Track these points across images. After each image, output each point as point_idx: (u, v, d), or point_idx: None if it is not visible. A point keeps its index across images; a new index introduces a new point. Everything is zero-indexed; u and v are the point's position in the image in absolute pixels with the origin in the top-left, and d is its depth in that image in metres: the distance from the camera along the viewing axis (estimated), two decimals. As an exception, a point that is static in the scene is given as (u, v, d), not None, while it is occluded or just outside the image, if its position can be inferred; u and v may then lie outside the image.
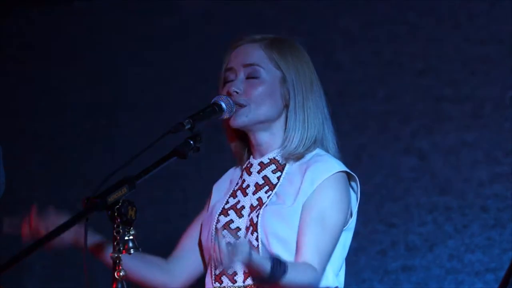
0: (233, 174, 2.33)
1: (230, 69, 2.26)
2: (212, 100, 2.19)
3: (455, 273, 3.40)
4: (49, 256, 4.04)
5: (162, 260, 2.37)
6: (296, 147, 2.18)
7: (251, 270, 1.96)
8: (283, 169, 2.21)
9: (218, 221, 2.20)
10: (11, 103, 4.30)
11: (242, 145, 2.29)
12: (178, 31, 3.99)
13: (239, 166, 2.30)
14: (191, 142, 2.07)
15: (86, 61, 4.15)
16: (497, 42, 3.43)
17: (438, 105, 3.48)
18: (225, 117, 2.18)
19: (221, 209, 2.22)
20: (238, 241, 1.91)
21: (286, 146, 2.19)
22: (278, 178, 2.20)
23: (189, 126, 2.07)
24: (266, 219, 2.12)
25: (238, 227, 2.18)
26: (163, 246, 3.93)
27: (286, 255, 2.08)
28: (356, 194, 2.20)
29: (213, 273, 2.18)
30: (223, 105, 2.17)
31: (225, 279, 2.16)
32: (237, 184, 2.26)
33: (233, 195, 2.24)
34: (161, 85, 3.99)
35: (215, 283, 2.17)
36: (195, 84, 3.84)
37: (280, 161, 2.21)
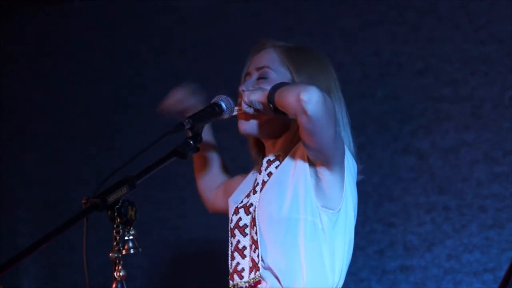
0: (253, 176, 2.37)
1: (247, 74, 2.32)
2: (212, 100, 2.20)
3: (454, 273, 3.40)
4: (46, 256, 4.05)
5: (218, 179, 2.56)
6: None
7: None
8: None
9: (231, 220, 2.25)
10: (10, 103, 4.31)
11: (258, 149, 2.34)
12: (178, 31, 4.00)
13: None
14: (191, 142, 2.07)
15: (86, 61, 4.16)
16: (497, 42, 3.43)
17: (438, 105, 3.49)
18: (225, 117, 2.19)
19: (234, 208, 2.26)
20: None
21: (286, 146, 2.23)
22: None
23: (189, 126, 2.08)
24: (261, 211, 2.15)
25: (245, 224, 2.21)
26: (160, 245, 3.95)
27: (287, 237, 2.11)
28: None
29: (229, 272, 2.23)
30: (223, 105, 2.18)
31: (235, 276, 2.21)
32: (252, 185, 2.29)
33: (248, 195, 2.28)
34: (161, 85, 3.99)
35: (229, 281, 2.24)
36: (195, 85, 3.84)
37: (282, 157, 2.23)
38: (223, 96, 2.20)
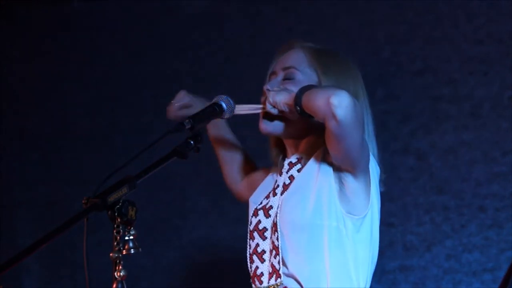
0: (272, 177, 2.35)
1: (273, 73, 2.28)
2: (213, 100, 2.19)
3: (453, 273, 3.40)
4: (47, 256, 4.04)
5: (243, 173, 2.53)
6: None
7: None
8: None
9: (250, 222, 2.24)
10: (10, 103, 4.30)
11: (279, 149, 2.31)
12: (178, 31, 4.00)
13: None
14: (192, 142, 2.07)
15: (86, 61, 4.16)
16: (496, 42, 3.43)
17: (437, 104, 3.49)
18: (225, 117, 2.19)
19: (253, 210, 2.25)
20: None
21: (308, 149, 2.21)
22: None
23: (189, 126, 2.07)
24: (283, 217, 2.14)
25: (265, 227, 2.20)
26: (161, 245, 3.96)
27: (311, 244, 2.10)
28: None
29: (250, 275, 2.22)
30: (224, 105, 2.17)
31: (256, 281, 2.19)
32: (272, 187, 2.28)
33: (267, 196, 2.26)
34: (161, 85, 3.99)
35: (251, 284, 2.22)
36: (195, 84, 3.85)
37: (304, 160, 2.22)
38: (223, 96, 2.20)
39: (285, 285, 2.13)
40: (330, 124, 1.97)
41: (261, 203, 2.25)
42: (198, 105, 2.37)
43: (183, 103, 2.42)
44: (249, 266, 2.22)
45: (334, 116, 1.95)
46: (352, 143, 2.03)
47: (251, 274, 2.21)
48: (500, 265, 3.30)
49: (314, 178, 2.14)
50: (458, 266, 3.40)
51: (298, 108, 2.07)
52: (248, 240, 2.23)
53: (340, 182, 2.11)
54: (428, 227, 3.45)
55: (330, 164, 2.12)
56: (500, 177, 3.37)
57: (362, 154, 2.08)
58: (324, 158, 2.13)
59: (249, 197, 2.40)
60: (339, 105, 1.94)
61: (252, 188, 2.39)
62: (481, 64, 3.44)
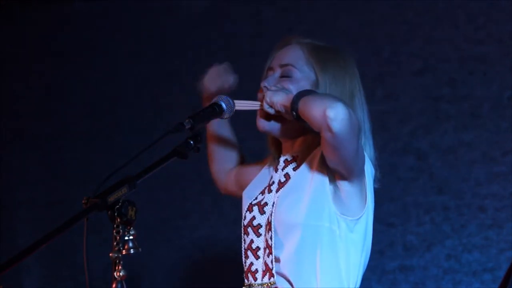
0: (268, 170, 2.33)
1: (270, 69, 2.26)
2: (213, 100, 2.19)
3: (453, 273, 3.41)
4: (48, 256, 4.05)
5: (232, 162, 2.51)
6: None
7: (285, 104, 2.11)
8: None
9: (244, 217, 2.23)
10: (11, 103, 4.31)
11: (276, 146, 2.30)
12: (178, 31, 4.00)
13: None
14: (191, 142, 2.07)
15: (86, 61, 4.16)
16: (496, 42, 3.44)
17: (436, 104, 3.49)
18: (225, 117, 2.18)
19: (248, 204, 2.24)
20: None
21: (304, 148, 2.21)
22: None
23: (189, 126, 2.07)
24: (277, 216, 2.14)
25: (259, 224, 2.19)
26: (162, 245, 3.96)
27: (303, 244, 2.09)
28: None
29: (244, 270, 2.22)
30: (223, 105, 2.16)
31: (250, 277, 2.19)
32: (268, 182, 2.27)
33: (263, 192, 2.25)
34: (161, 85, 4.00)
35: (244, 279, 2.21)
36: (195, 84, 3.85)
37: (300, 159, 2.21)
38: (223, 96, 2.19)
39: (277, 285, 2.13)
40: (326, 136, 1.98)
41: (256, 198, 2.24)
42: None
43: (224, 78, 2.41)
44: (243, 261, 2.21)
45: (329, 129, 1.95)
46: (347, 153, 2.03)
47: (245, 269, 2.20)
48: (500, 265, 3.31)
49: (309, 179, 2.14)
50: (458, 266, 3.41)
51: (294, 114, 2.08)
52: (242, 235, 2.22)
53: (335, 185, 2.11)
54: (428, 227, 3.45)
55: (326, 166, 2.12)
56: (500, 177, 3.37)
57: (357, 161, 2.08)
58: (320, 160, 2.13)
59: (234, 189, 2.42)
60: (335, 118, 1.94)
61: (240, 181, 2.39)
62: (480, 64, 3.45)
